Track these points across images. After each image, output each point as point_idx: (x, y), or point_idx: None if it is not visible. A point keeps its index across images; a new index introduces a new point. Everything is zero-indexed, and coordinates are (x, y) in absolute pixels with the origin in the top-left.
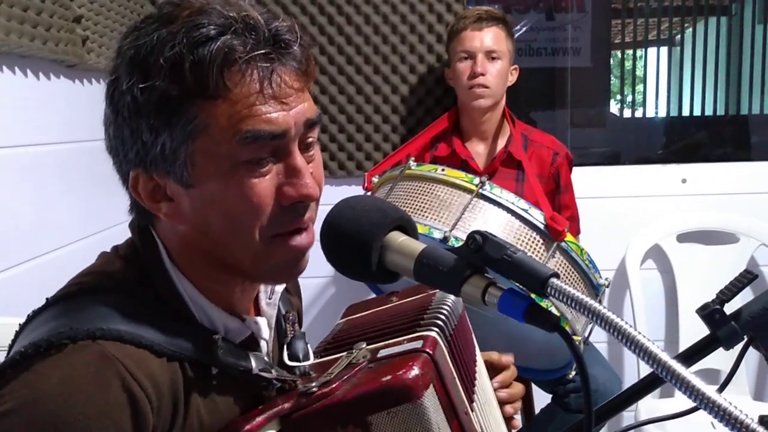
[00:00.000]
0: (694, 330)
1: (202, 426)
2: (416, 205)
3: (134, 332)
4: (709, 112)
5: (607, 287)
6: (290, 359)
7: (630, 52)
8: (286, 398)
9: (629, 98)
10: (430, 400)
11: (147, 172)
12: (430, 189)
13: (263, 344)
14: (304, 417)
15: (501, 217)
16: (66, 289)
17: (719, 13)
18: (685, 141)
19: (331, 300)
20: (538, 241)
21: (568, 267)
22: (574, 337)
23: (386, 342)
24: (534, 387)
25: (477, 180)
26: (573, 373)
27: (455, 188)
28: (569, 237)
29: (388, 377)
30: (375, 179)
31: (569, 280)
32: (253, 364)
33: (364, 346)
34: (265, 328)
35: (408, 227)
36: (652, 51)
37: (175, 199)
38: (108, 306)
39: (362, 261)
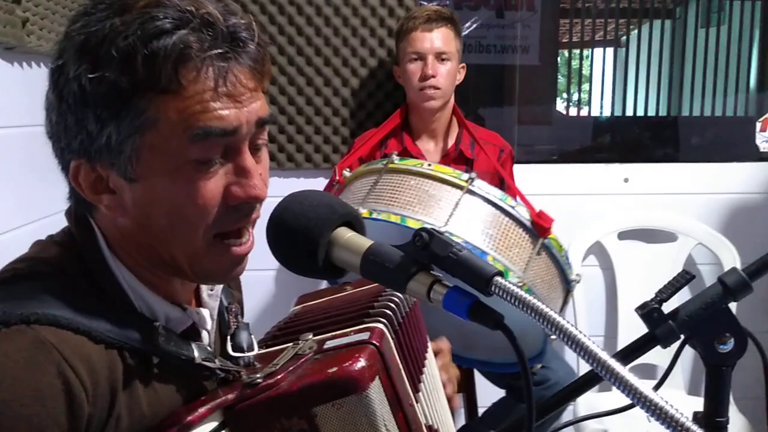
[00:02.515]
0: (632, 325)
1: (143, 416)
2: (405, 200)
3: (72, 318)
4: (651, 112)
5: (578, 282)
6: (234, 350)
7: (577, 51)
8: (229, 389)
9: (575, 97)
10: (375, 391)
11: (90, 162)
12: (418, 184)
13: (205, 335)
14: (248, 408)
15: (489, 214)
16: None
17: (664, 16)
18: (628, 141)
19: (277, 293)
20: (525, 237)
21: (549, 263)
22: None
23: (333, 333)
24: (485, 382)
25: (466, 176)
26: (539, 366)
27: (443, 183)
28: (552, 234)
29: (334, 369)
30: (346, 172)
31: (549, 275)
32: (196, 353)
33: (310, 336)
34: (207, 318)
35: (356, 223)
36: (598, 51)
37: (117, 192)
38: (44, 291)
39: (309, 257)
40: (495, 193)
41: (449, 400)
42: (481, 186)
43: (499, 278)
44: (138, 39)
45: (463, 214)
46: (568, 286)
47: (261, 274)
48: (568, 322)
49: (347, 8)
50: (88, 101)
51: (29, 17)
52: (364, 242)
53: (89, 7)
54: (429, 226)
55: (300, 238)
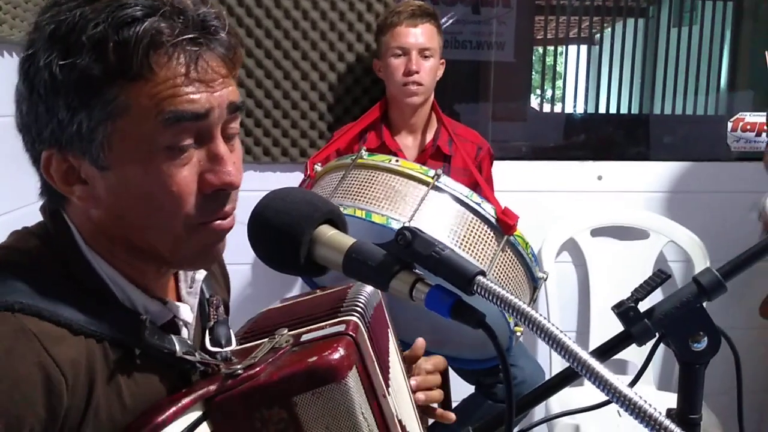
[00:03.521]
0: (604, 321)
1: (124, 409)
2: (371, 195)
3: (53, 310)
4: (624, 110)
5: (545, 280)
6: (212, 344)
7: (551, 48)
8: (210, 381)
9: (549, 94)
10: (353, 380)
11: (61, 152)
12: (385, 179)
13: (184, 329)
14: (229, 399)
15: (455, 210)
16: None
17: (637, 15)
18: (601, 138)
19: (258, 286)
20: (490, 234)
21: (514, 260)
22: (517, 329)
23: (308, 327)
24: (455, 378)
25: (432, 172)
26: None
27: (410, 179)
28: (517, 231)
29: (314, 358)
30: (317, 167)
31: (514, 272)
32: (177, 346)
33: (285, 331)
34: (187, 312)
35: (338, 221)
36: (572, 48)
37: (90, 182)
38: (25, 282)
39: (291, 254)
40: (461, 190)
41: (427, 407)
42: (447, 182)
43: (481, 278)
44: (109, 26)
45: (429, 210)
46: (534, 283)
47: (236, 268)
48: (549, 322)
49: (325, 2)
50: (59, 89)
51: (2, 5)
52: (346, 240)
53: None
54: (393, 222)
55: (282, 235)
